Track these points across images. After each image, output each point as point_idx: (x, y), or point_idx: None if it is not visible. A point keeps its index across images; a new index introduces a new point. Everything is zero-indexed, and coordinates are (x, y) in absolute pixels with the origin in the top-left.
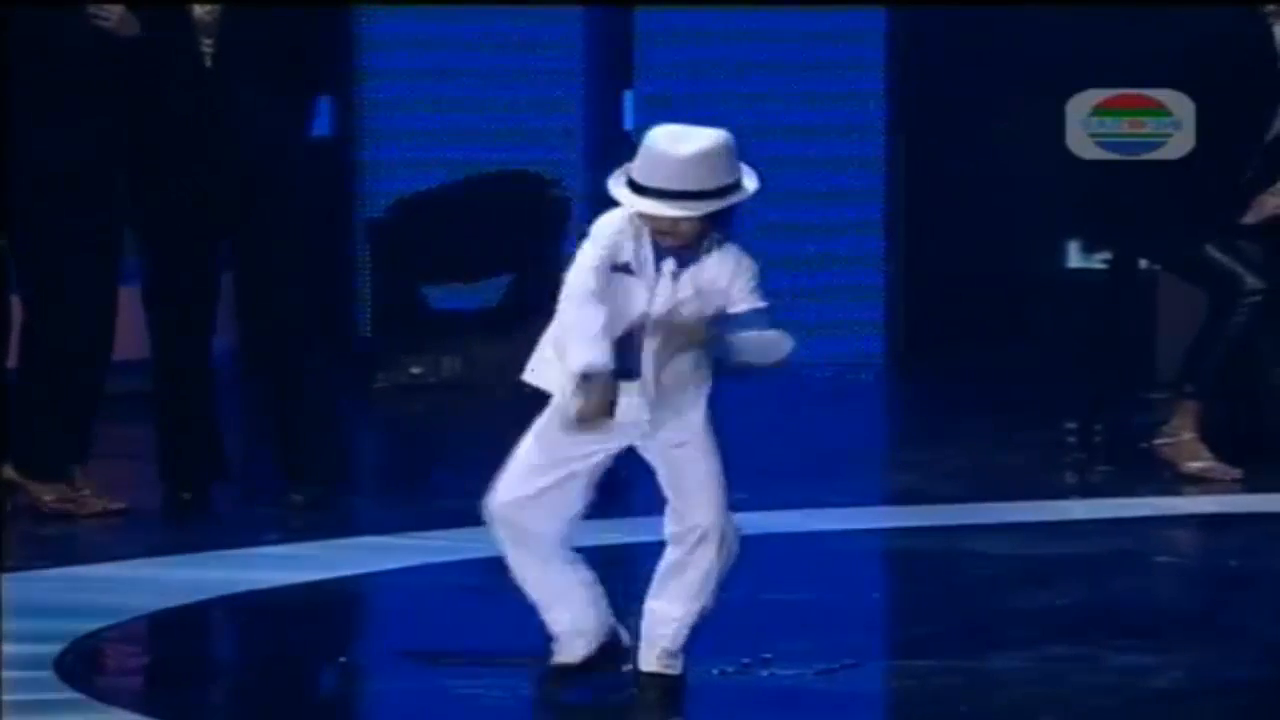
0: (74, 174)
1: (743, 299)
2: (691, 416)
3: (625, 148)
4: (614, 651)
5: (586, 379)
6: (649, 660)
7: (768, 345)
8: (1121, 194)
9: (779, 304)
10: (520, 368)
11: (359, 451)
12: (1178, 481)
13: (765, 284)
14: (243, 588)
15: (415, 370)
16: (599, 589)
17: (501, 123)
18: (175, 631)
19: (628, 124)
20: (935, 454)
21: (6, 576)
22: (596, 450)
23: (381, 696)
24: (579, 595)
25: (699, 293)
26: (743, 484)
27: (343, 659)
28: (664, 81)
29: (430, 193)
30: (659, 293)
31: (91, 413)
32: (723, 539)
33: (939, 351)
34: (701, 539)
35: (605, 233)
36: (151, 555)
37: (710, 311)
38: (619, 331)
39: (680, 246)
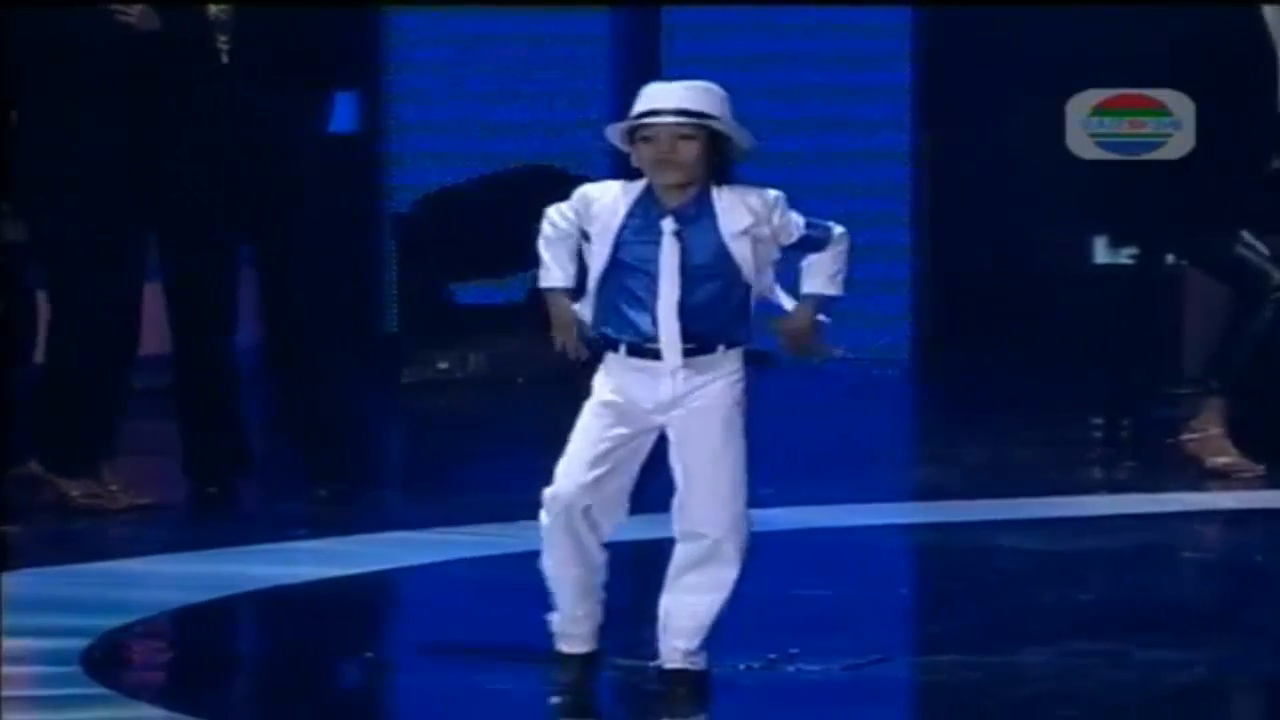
0: (96, 171)
1: (790, 228)
2: (718, 385)
3: None
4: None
5: (547, 303)
6: (672, 658)
7: (839, 255)
8: (1148, 190)
9: None
10: (546, 364)
11: (385, 447)
12: (1203, 477)
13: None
14: (268, 583)
15: (442, 365)
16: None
17: (529, 115)
18: (202, 627)
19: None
20: (961, 449)
21: (33, 572)
22: (631, 434)
23: (408, 692)
24: (596, 595)
25: (755, 242)
26: (768, 479)
27: (369, 654)
28: (691, 73)
29: (456, 188)
30: (665, 255)
31: (119, 409)
32: (738, 552)
33: (965, 346)
34: (712, 554)
35: (578, 198)
36: (178, 550)
37: (772, 255)
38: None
39: (681, 185)
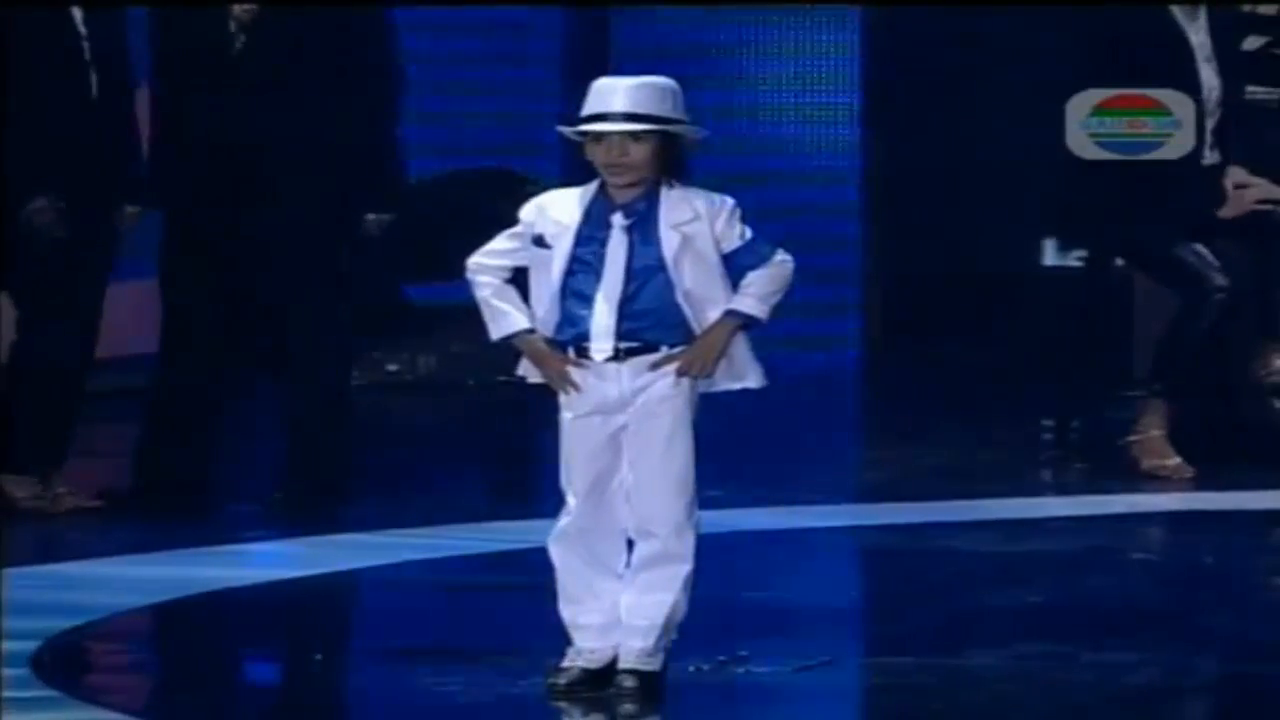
0: (69, 177)
1: (732, 236)
2: (665, 384)
3: None
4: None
5: (520, 347)
6: (626, 657)
7: (778, 278)
8: (1095, 192)
9: None
10: (496, 366)
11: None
12: (1142, 479)
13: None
14: (220, 585)
15: (392, 368)
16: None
17: (480, 107)
18: (154, 629)
19: None
20: (910, 451)
21: None
22: (599, 424)
23: (359, 694)
24: (614, 607)
25: (685, 238)
26: (717, 481)
27: (318, 656)
28: (640, 68)
29: (408, 190)
30: (611, 250)
31: (73, 413)
32: (687, 550)
33: (914, 348)
34: (662, 553)
35: (529, 209)
36: (129, 553)
37: (708, 258)
38: (570, 300)
39: (632, 184)
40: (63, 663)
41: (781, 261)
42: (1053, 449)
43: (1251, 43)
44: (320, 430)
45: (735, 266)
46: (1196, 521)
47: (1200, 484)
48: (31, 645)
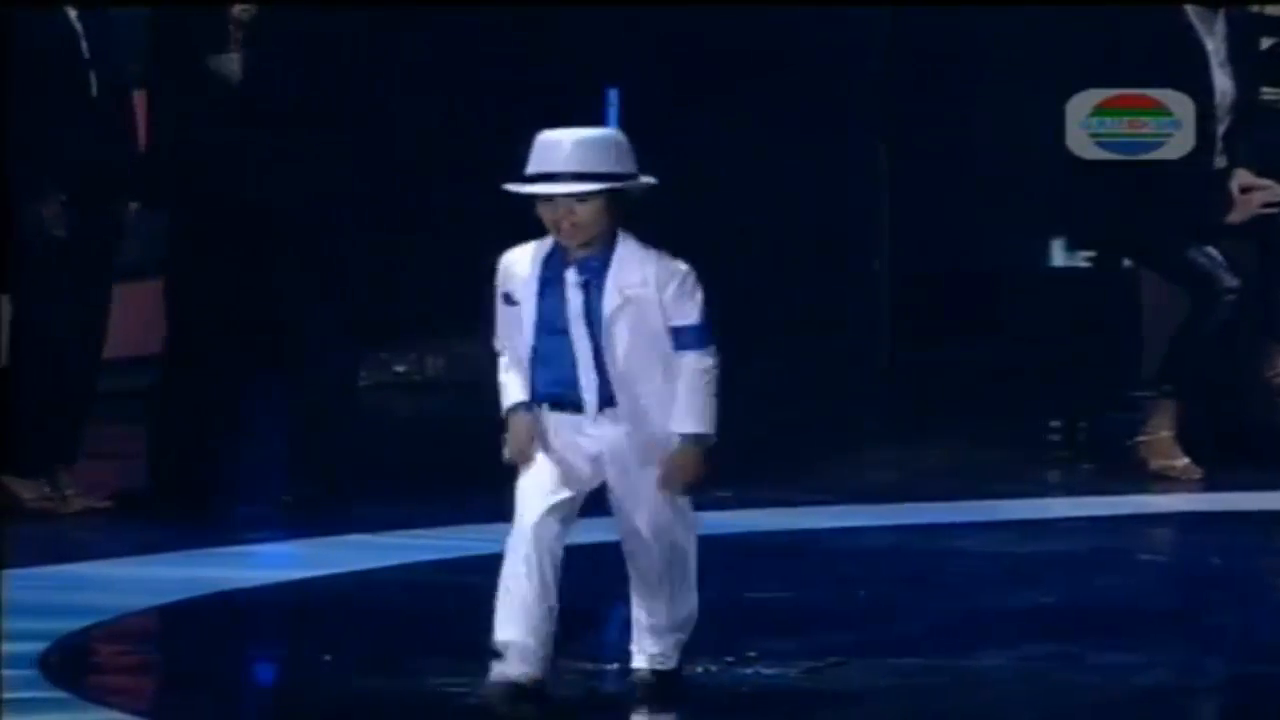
0: (74, 177)
1: (680, 311)
2: (652, 436)
3: None
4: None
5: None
6: (639, 657)
7: (704, 388)
8: (1103, 192)
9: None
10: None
11: (345, 450)
12: (1150, 479)
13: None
14: (231, 585)
15: (399, 368)
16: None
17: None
18: (162, 630)
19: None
20: (918, 451)
21: None
22: (571, 495)
23: (369, 695)
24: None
25: (628, 300)
26: (727, 482)
27: (327, 657)
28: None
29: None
30: (568, 304)
31: (81, 413)
32: (687, 569)
33: (923, 348)
34: (660, 578)
35: (498, 269)
36: (138, 554)
37: (649, 322)
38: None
39: (583, 243)
40: (71, 663)
41: (708, 367)
42: (1061, 449)
43: (1264, 43)
44: (327, 431)
45: (676, 342)
46: (1205, 522)
47: (1208, 485)
48: (40, 646)
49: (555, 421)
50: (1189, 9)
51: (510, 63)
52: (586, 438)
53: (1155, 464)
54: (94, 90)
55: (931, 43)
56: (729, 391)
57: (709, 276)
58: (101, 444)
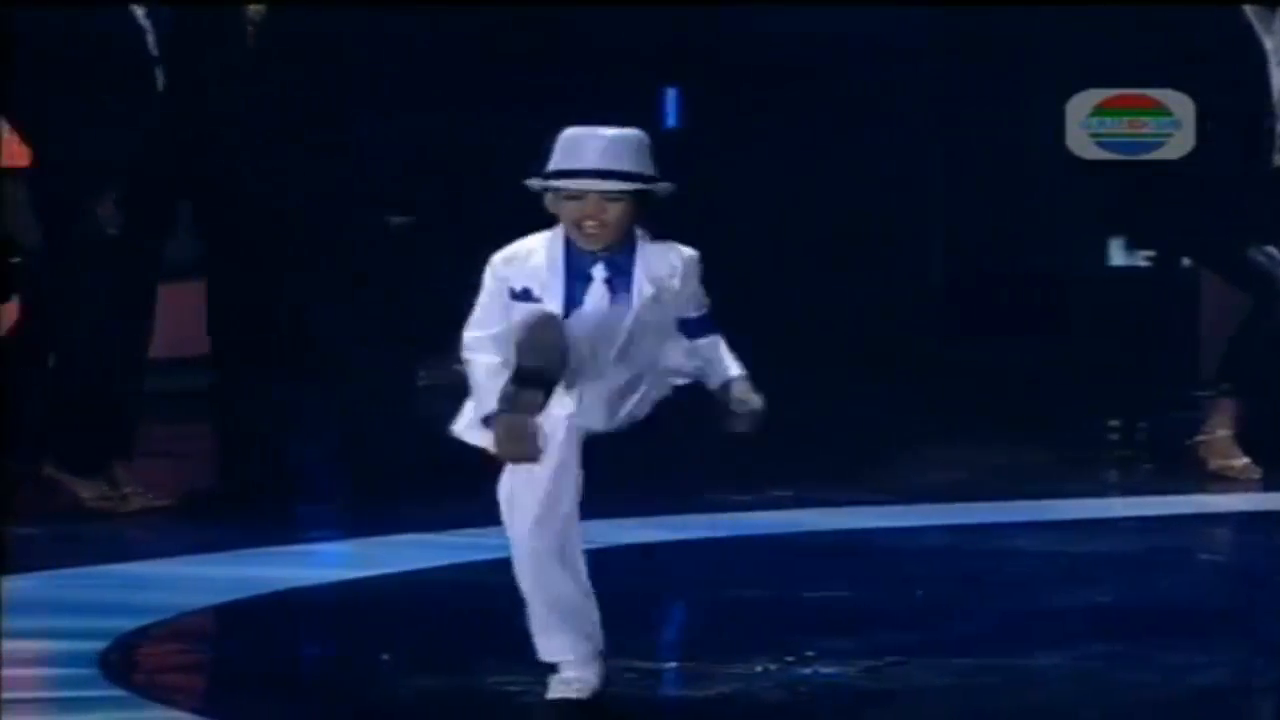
0: (116, 173)
1: (693, 304)
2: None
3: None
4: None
5: (491, 422)
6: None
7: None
8: (1162, 192)
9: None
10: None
11: (403, 449)
12: (1210, 479)
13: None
14: (289, 585)
15: (457, 367)
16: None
17: None
18: (220, 629)
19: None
20: (977, 451)
21: (49, 575)
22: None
23: (425, 694)
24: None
25: (660, 290)
26: (785, 481)
27: (385, 657)
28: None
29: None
30: (595, 303)
31: (132, 410)
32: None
33: (981, 347)
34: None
35: (496, 263)
36: (195, 553)
37: (668, 310)
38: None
39: (604, 246)
40: (130, 662)
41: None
42: (1120, 449)
43: None
44: (383, 431)
45: (695, 330)
46: (1264, 522)
47: (1267, 484)
48: (99, 645)
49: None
50: (1248, 8)
51: (560, 66)
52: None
53: (1214, 463)
54: (159, 87)
55: (987, 41)
56: (786, 391)
57: (763, 276)
58: (153, 444)
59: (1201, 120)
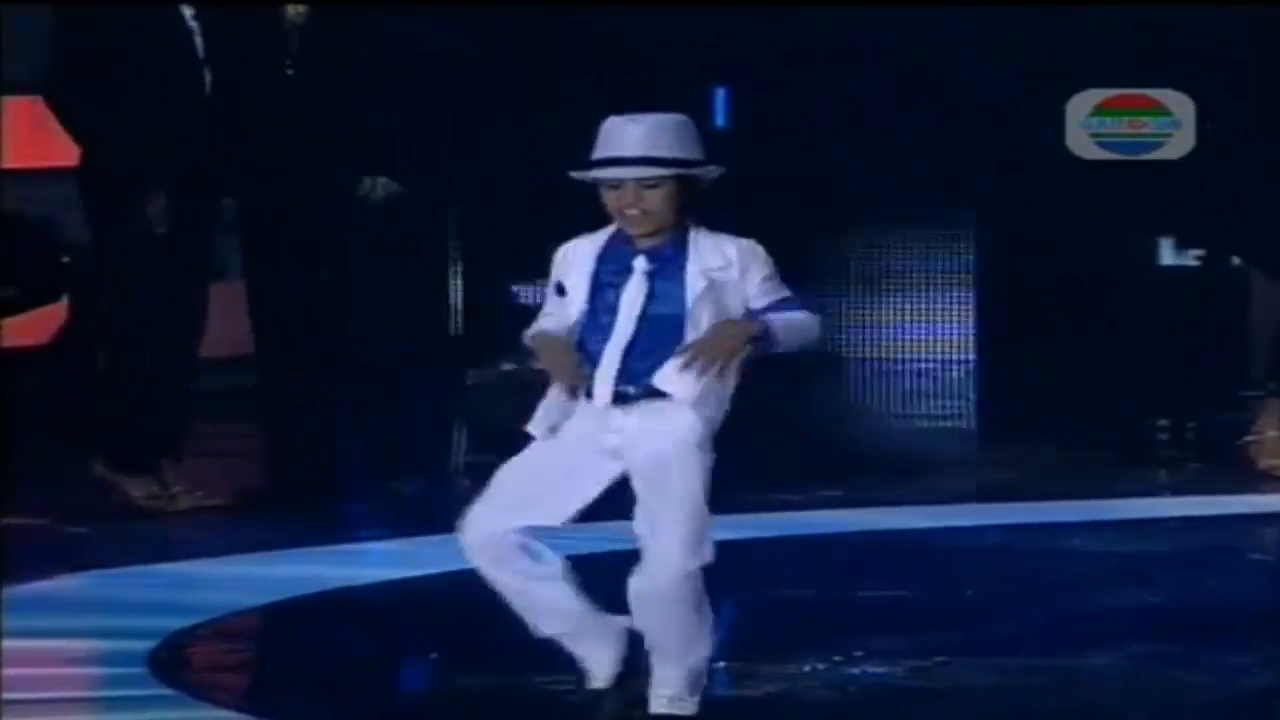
0: (179, 174)
1: (763, 292)
2: (677, 424)
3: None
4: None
5: (535, 350)
6: (657, 702)
7: (803, 329)
8: (1212, 191)
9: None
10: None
11: (453, 448)
12: (1258, 479)
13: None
14: (338, 584)
15: (507, 366)
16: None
17: None
18: (269, 628)
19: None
20: (1027, 451)
21: (99, 574)
22: (567, 468)
23: (474, 694)
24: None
25: (712, 284)
26: (835, 481)
27: (434, 655)
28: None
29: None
30: (628, 295)
31: (181, 410)
32: (696, 598)
33: (1030, 348)
34: (670, 599)
35: (555, 258)
36: (245, 552)
37: (728, 306)
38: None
39: (651, 232)
40: (180, 661)
41: (811, 318)
42: (1170, 449)
43: None
44: (431, 431)
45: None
46: None
47: None
48: (149, 644)
49: (581, 407)
50: None
51: (612, 64)
52: (611, 433)
53: (1264, 463)
54: (207, 89)
55: (1034, 40)
56: (839, 391)
57: (813, 274)
58: (202, 443)
59: (1202, 120)
